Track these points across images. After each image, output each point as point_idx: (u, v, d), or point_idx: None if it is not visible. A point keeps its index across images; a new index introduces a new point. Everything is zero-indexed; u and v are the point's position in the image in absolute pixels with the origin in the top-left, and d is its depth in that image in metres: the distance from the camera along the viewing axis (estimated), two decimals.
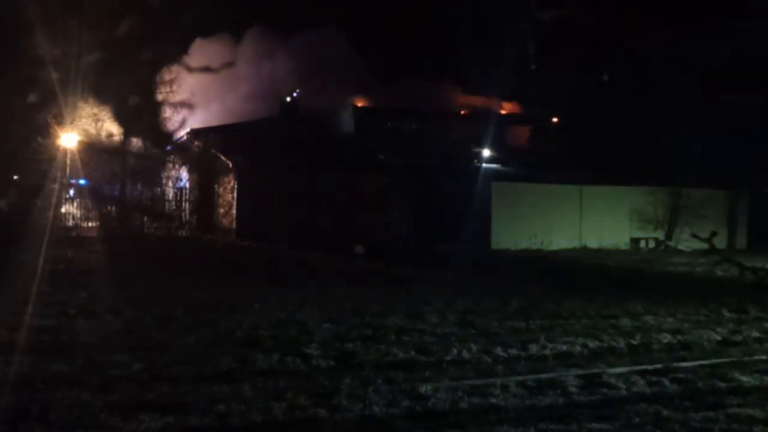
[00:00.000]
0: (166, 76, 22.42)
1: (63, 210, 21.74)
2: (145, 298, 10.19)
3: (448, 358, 7.13)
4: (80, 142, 18.71)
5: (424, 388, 5.93)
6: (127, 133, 20.36)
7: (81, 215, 23.18)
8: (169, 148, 25.39)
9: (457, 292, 11.82)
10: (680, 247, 23.06)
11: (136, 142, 21.84)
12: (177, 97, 22.51)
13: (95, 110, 18.89)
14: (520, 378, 6.40)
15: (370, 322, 8.95)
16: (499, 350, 7.48)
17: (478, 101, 31.95)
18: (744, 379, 6.59)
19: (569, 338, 8.21)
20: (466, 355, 7.27)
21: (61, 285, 11.21)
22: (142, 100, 18.95)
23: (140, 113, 19.37)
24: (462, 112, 31.22)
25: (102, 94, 16.69)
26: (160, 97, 22.15)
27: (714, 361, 7.38)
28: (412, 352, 7.26)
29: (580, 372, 6.70)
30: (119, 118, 19.40)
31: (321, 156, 26.15)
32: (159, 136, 22.21)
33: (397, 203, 24.76)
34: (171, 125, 24.33)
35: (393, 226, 24.39)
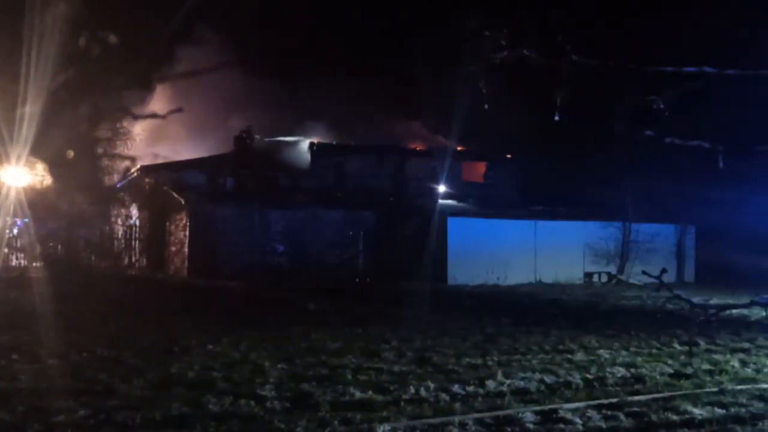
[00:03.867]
0: (109, 127, 21.72)
1: (6, 250, 21.03)
2: (92, 341, 9.84)
3: (406, 396, 7.05)
4: (24, 184, 18.20)
5: (382, 429, 5.84)
6: (62, 189, 19.61)
7: (26, 254, 22.43)
8: (119, 185, 24.87)
9: (414, 329, 11.75)
10: (632, 280, 23.53)
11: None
12: (120, 148, 21.83)
13: (34, 161, 18.30)
14: (477, 415, 6.36)
15: (327, 361, 8.82)
16: (456, 387, 7.44)
17: (433, 138, 32.36)
18: (696, 411, 6.68)
19: (526, 374, 8.23)
20: (423, 393, 7.20)
21: (2, 327, 10.75)
22: (79, 155, 18.33)
23: (76, 168, 18.72)
24: (418, 148, 31.56)
25: (38, 146, 16.19)
26: (100, 151, 21.55)
27: (667, 394, 7.47)
28: (370, 392, 7.16)
29: (537, 408, 6.70)
30: (53, 171, 18.72)
31: (275, 193, 26.05)
32: (98, 190, 21.47)
33: (353, 240, 24.74)
34: (112, 179, 23.76)
35: (350, 263, 24.31)
